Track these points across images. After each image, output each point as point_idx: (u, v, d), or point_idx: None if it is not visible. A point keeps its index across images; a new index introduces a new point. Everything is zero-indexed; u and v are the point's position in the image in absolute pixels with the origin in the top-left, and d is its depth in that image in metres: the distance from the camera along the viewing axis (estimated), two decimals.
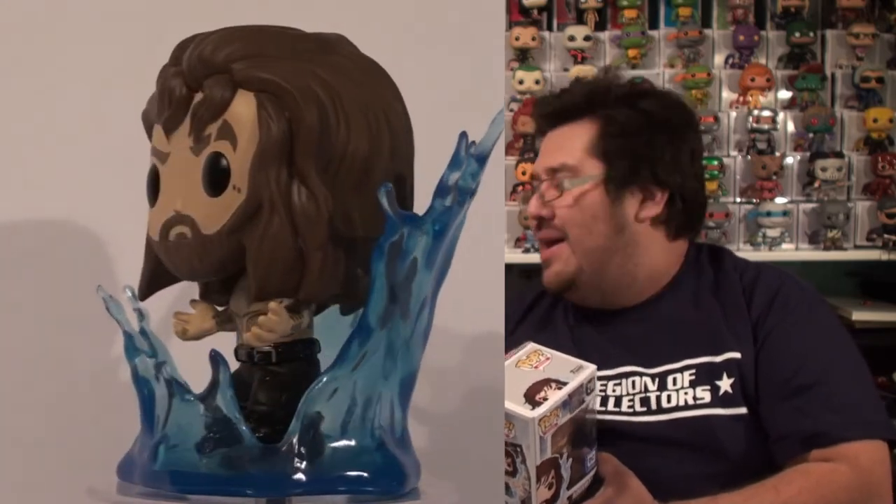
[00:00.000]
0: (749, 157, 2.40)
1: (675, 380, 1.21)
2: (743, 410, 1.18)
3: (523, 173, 2.37)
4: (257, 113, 0.63)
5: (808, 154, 2.39)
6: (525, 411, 0.90)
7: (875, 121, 2.39)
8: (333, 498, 0.66)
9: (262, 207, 0.63)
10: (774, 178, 2.37)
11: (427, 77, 0.86)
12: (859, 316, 2.29)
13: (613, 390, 1.24)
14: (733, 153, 2.43)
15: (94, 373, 0.95)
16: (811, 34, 2.48)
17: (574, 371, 0.96)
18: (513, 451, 0.91)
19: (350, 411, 0.66)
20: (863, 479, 1.11)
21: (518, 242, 2.36)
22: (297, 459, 0.65)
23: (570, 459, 0.95)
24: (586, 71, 2.40)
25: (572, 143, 1.29)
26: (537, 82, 2.45)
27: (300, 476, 0.65)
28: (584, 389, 0.96)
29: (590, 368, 0.97)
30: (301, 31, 0.69)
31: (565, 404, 0.92)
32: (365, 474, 0.66)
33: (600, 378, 1.23)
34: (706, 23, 2.57)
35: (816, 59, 2.50)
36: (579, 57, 2.51)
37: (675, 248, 1.32)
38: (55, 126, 0.97)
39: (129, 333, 0.70)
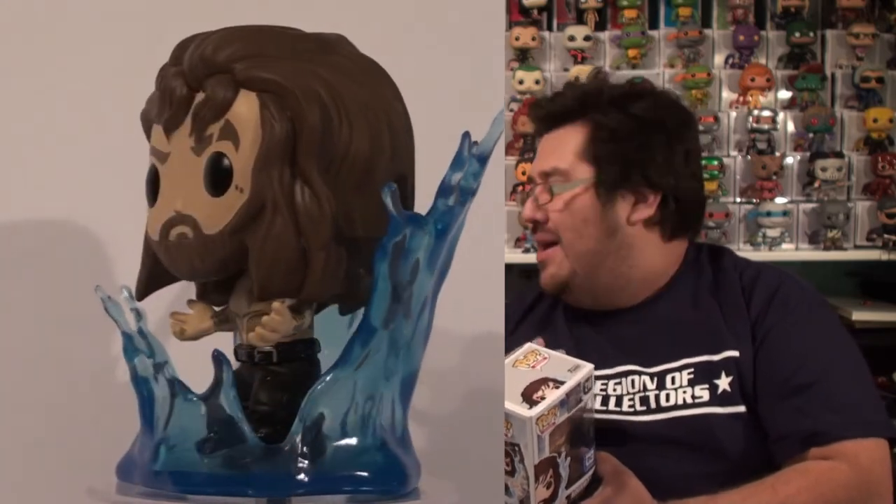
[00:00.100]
0: (749, 157, 2.40)
1: (673, 379, 1.21)
2: (741, 409, 1.18)
3: (523, 173, 2.37)
4: (260, 113, 0.63)
5: (808, 154, 2.39)
6: (522, 410, 0.90)
7: (875, 121, 2.39)
8: (334, 498, 0.66)
9: (266, 207, 0.63)
10: (774, 178, 2.37)
11: (427, 77, 0.86)
12: (859, 316, 2.29)
13: (614, 389, 1.24)
14: (733, 153, 2.43)
15: (94, 373, 0.95)
16: (811, 34, 2.48)
17: (571, 370, 0.96)
18: (511, 451, 0.91)
19: (352, 411, 0.66)
20: (862, 477, 1.11)
21: (518, 242, 2.36)
22: (299, 459, 0.65)
23: (569, 459, 0.95)
24: (586, 71, 2.40)
25: (564, 147, 1.30)
26: (537, 82, 2.45)
27: (302, 476, 0.65)
28: (582, 388, 0.96)
29: (587, 368, 0.97)
30: (301, 31, 0.69)
31: (563, 403, 0.92)
32: (367, 474, 0.66)
33: (600, 377, 1.23)
34: (706, 23, 2.58)
35: (816, 59, 2.50)
36: (579, 57, 2.51)
37: (672, 248, 1.31)
38: (55, 126, 0.97)
39: (127, 334, 0.70)
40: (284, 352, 0.68)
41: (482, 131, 0.67)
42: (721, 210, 2.35)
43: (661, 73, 2.50)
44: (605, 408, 1.21)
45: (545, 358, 0.98)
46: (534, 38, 2.49)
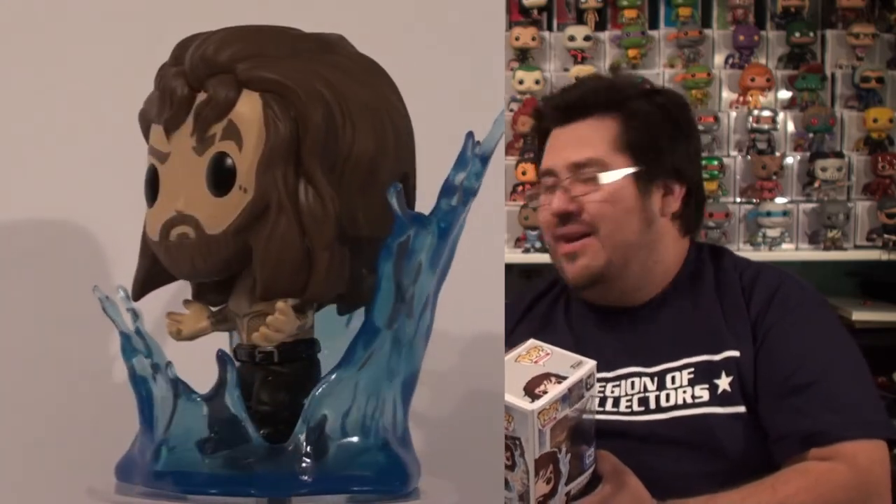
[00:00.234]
0: (749, 157, 2.40)
1: (673, 378, 1.21)
2: (741, 409, 1.18)
3: (523, 173, 2.37)
4: (263, 113, 0.63)
5: (808, 154, 2.39)
6: (524, 404, 0.90)
7: (875, 121, 2.39)
8: (336, 497, 0.66)
9: (270, 207, 0.63)
10: (774, 178, 2.37)
11: (427, 77, 0.86)
12: (859, 316, 2.29)
13: (612, 391, 1.24)
14: (733, 153, 2.44)
15: (94, 373, 0.95)
16: (811, 34, 2.48)
17: (574, 366, 0.96)
18: (511, 445, 0.91)
19: (355, 411, 0.66)
20: (861, 478, 1.11)
21: (518, 242, 2.36)
22: (302, 459, 0.65)
23: (569, 455, 0.95)
24: (586, 71, 2.40)
25: (596, 138, 1.28)
26: (537, 82, 2.45)
27: (305, 476, 0.65)
28: (584, 385, 0.96)
29: (589, 364, 0.97)
30: (301, 31, 0.69)
31: (565, 398, 0.92)
32: (369, 474, 0.67)
33: (600, 380, 1.23)
34: (706, 23, 2.58)
35: (816, 59, 2.50)
36: (579, 57, 2.51)
37: (683, 245, 1.32)
38: (55, 126, 0.97)
39: (125, 334, 0.70)
40: (286, 352, 0.68)
41: (482, 131, 0.68)
42: (721, 210, 2.35)
43: (661, 73, 2.50)
44: (602, 408, 1.21)
45: (548, 354, 0.98)
46: (534, 38, 2.49)
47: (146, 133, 0.68)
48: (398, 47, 0.78)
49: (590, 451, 1.01)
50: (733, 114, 2.44)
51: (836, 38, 2.51)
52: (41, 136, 0.98)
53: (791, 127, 2.44)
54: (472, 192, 0.68)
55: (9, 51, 0.98)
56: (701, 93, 2.45)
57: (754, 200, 2.38)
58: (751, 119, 2.40)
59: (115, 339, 0.70)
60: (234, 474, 0.65)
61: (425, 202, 0.69)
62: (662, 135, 1.29)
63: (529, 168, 2.34)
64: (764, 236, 2.36)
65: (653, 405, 1.21)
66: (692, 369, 1.21)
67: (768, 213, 2.35)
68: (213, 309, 0.71)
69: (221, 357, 0.65)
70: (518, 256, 2.32)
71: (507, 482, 0.94)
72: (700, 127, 2.24)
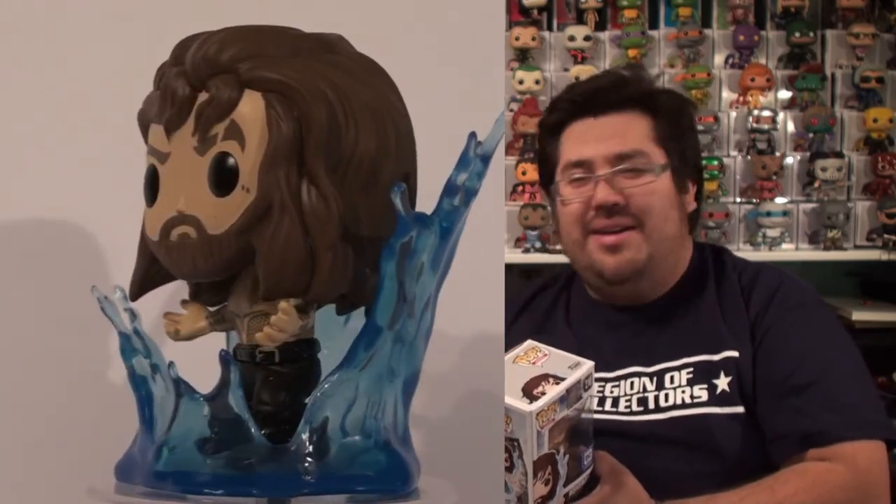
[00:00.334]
0: (749, 157, 2.40)
1: (672, 378, 1.21)
2: (740, 409, 1.18)
3: (523, 173, 2.37)
4: (266, 113, 0.63)
5: (808, 154, 2.39)
6: (523, 405, 0.90)
7: (875, 121, 2.39)
8: (336, 497, 0.66)
9: (273, 207, 0.63)
10: (774, 178, 2.37)
11: (427, 77, 0.86)
12: (859, 316, 2.29)
13: (611, 391, 1.24)
14: (733, 153, 2.44)
15: (94, 373, 0.95)
16: (811, 34, 2.48)
17: (572, 367, 0.96)
18: (510, 446, 0.91)
19: (357, 411, 0.66)
20: (860, 479, 1.11)
21: (518, 242, 2.36)
22: (305, 459, 0.65)
23: (567, 456, 0.95)
24: (586, 71, 2.40)
25: (635, 130, 1.27)
26: (537, 82, 2.45)
27: (307, 476, 0.65)
28: (582, 386, 0.96)
29: (587, 365, 0.97)
30: (301, 31, 0.69)
31: (563, 399, 0.92)
32: (371, 474, 0.66)
33: (600, 380, 1.23)
34: (706, 23, 2.58)
35: (816, 59, 2.50)
36: (579, 57, 2.51)
37: (690, 244, 1.34)
38: (55, 126, 0.97)
39: (124, 334, 0.70)
40: (287, 352, 0.68)
41: (482, 132, 0.68)
42: (721, 210, 2.35)
43: (661, 73, 2.49)
44: (601, 408, 1.21)
45: (546, 355, 0.98)
46: (534, 38, 2.49)
47: (145, 133, 0.68)
48: (398, 47, 0.78)
49: (588, 451, 1.01)
50: (733, 114, 2.44)
51: (836, 38, 2.51)
52: (41, 136, 0.98)
53: (791, 127, 2.44)
54: (474, 192, 0.68)
55: (9, 51, 0.98)
56: (701, 93, 2.45)
57: (754, 200, 2.38)
58: (751, 119, 2.40)
59: (114, 339, 0.70)
60: (235, 474, 0.65)
61: (424, 202, 0.69)
62: (686, 131, 1.30)
63: (529, 168, 2.34)
64: (764, 236, 2.36)
65: (652, 405, 1.21)
66: (691, 369, 1.21)
67: (768, 213, 2.35)
68: (211, 309, 0.70)
69: (224, 357, 0.65)
70: (518, 256, 2.32)
71: (505, 484, 0.94)
72: (700, 127, 2.25)
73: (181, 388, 0.67)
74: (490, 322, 0.94)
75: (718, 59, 2.54)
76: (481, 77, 0.94)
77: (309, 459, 0.65)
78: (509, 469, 0.92)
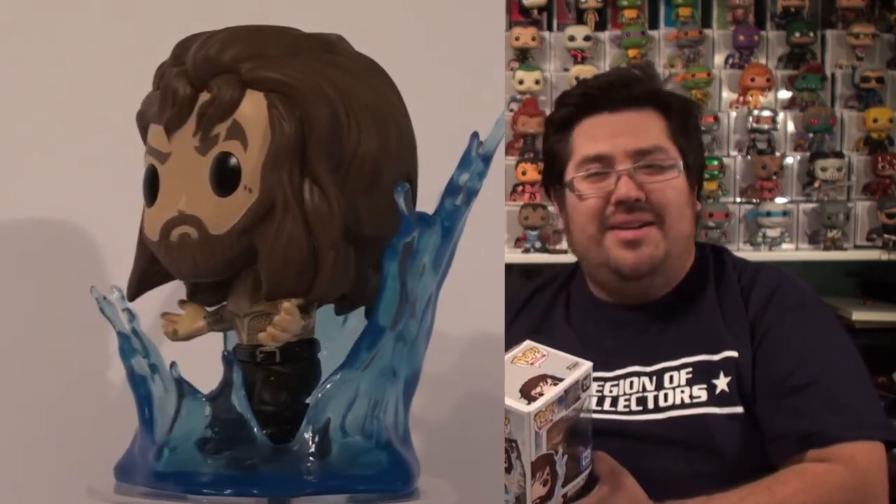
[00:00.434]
0: (749, 157, 2.40)
1: (671, 378, 1.21)
2: (739, 410, 1.18)
3: (523, 173, 2.37)
4: (268, 113, 0.63)
5: (808, 154, 2.39)
6: (521, 406, 0.90)
7: (875, 121, 2.39)
8: (336, 497, 0.66)
9: (275, 207, 0.63)
10: (774, 178, 2.37)
11: (427, 77, 0.86)
12: (859, 316, 2.29)
13: (611, 391, 1.24)
14: (733, 153, 2.44)
15: (94, 373, 0.95)
16: (811, 34, 2.48)
17: (570, 368, 0.96)
18: (508, 447, 0.91)
19: (359, 411, 0.66)
20: (858, 479, 1.11)
21: (518, 242, 2.36)
22: (307, 459, 0.65)
23: (566, 457, 0.95)
24: (586, 71, 2.40)
25: (653, 126, 1.27)
26: (537, 82, 2.45)
27: (310, 476, 0.65)
28: (580, 386, 0.96)
29: (586, 365, 0.97)
30: (301, 31, 0.69)
31: (561, 400, 0.92)
32: (373, 473, 0.67)
33: (599, 379, 1.23)
34: (706, 23, 2.58)
35: (816, 59, 2.50)
36: (579, 57, 2.51)
37: (693, 243, 1.34)
38: (55, 126, 0.97)
39: (123, 334, 0.70)
40: (287, 352, 0.68)
41: (483, 132, 0.68)
42: (721, 210, 2.35)
43: (662, 74, 2.49)
44: (600, 408, 1.21)
45: (544, 355, 0.98)
46: (534, 38, 2.49)
47: (144, 133, 0.68)
48: (398, 47, 0.78)
49: (586, 452, 1.00)
50: (733, 114, 2.44)
51: (836, 38, 2.51)
52: (41, 136, 0.98)
53: (791, 127, 2.44)
54: (475, 192, 0.68)
55: (9, 51, 0.98)
56: (701, 93, 2.44)
57: (754, 200, 2.38)
58: (751, 119, 2.40)
59: (114, 339, 0.70)
60: (237, 474, 0.65)
61: (422, 202, 0.69)
62: (692, 131, 1.31)
63: (529, 168, 2.34)
64: (764, 236, 2.36)
65: (651, 405, 1.21)
66: (690, 369, 1.21)
67: (768, 213, 2.35)
68: (209, 309, 0.70)
69: (227, 358, 0.65)
70: (518, 256, 2.32)
71: (503, 485, 0.94)
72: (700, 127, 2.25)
73: (183, 389, 0.67)
74: (490, 322, 0.94)
75: (718, 59, 2.54)
76: (481, 77, 0.94)
77: (311, 459, 0.65)
78: (507, 470, 0.92)
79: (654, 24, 2.59)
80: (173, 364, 0.67)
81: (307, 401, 0.67)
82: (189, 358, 0.67)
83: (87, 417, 0.96)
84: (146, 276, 0.69)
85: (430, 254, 0.67)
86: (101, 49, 0.97)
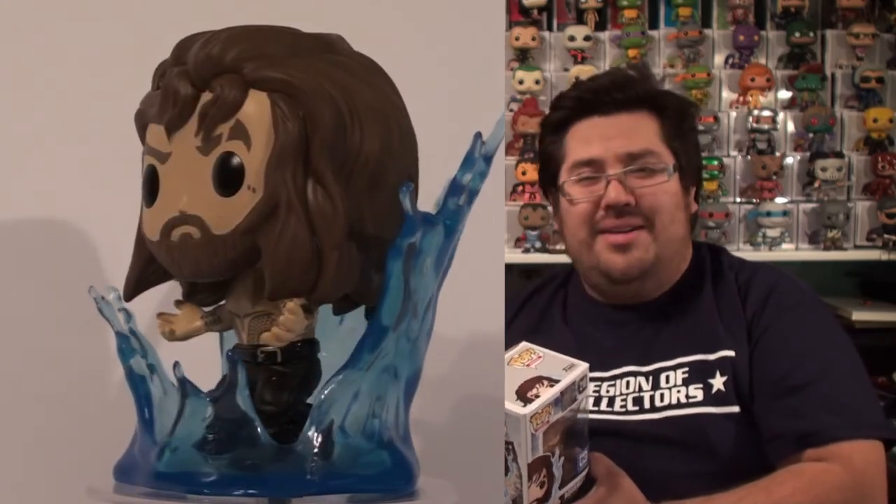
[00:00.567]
0: (749, 157, 2.40)
1: (668, 377, 1.21)
2: (735, 409, 1.17)
3: (523, 173, 2.37)
4: (272, 112, 0.63)
5: (808, 154, 2.39)
6: (517, 408, 0.90)
7: (875, 121, 2.39)
8: (337, 497, 0.66)
9: (279, 207, 0.63)
10: (774, 178, 2.37)
11: (427, 77, 0.86)
12: (859, 316, 2.29)
13: (607, 391, 1.23)
14: (733, 153, 2.44)
15: (94, 372, 0.95)
16: (811, 34, 2.48)
17: (566, 369, 0.96)
18: (504, 449, 0.91)
19: (361, 411, 0.66)
20: (856, 479, 1.11)
21: (518, 242, 2.36)
22: (311, 459, 0.65)
23: (562, 458, 0.95)
24: (586, 71, 2.40)
25: (645, 130, 1.27)
26: (537, 82, 2.45)
27: (312, 476, 0.65)
28: (577, 387, 0.96)
29: (582, 366, 0.97)
30: (301, 31, 0.69)
31: (557, 402, 0.92)
32: (375, 473, 0.67)
33: (596, 379, 1.23)
34: (706, 23, 2.58)
35: (816, 59, 2.50)
36: (579, 57, 2.51)
37: (690, 244, 1.34)
38: (55, 126, 0.97)
39: (122, 334, 0.70)
40: (289, 352, 0.68)
41: (483, 132, 0.68)
42: (721, 210, 2.35)
43: (662, 73, 2.49)
44: (596, 408, 1.21)
45: (540, 357, 0.98)
46: (534, 38, 2.49)
47: (142, 133, 0.68)
48: (398, 47, 0.78)
49: (583, 453, 1.00)
50: (733, 114, 2.44)
51: (836, 38, 2.51)
52: (41, 136, 0.98)
53: (791, 127, 2.44)
54: (476, 192, 0.69)
55: (9, 51, 0.98)
56: (701, 93, 2.45)
57: (754, 200, 2.38)
58: (751, 119, 2.40)
59: (114, 339, 0.70)
60: (239, 474, 0.65)
61: (422, 202, 0.69)
62: (688, 132, 1.31)
63: (529, 168, 2.34)
64: (764, 236, 2.36)
65: (647, 405, 1.20)
66: (686, 369, 1.21)
67: (768, 213, 2.35)
68: (206, 309, 0.70)
69: (231, 358, 0.65)
70: (518, 256, 2.32)
71: None
72: (700, 127, 2.25)
73: (187, 389, 0.66)
74: (490, 322, 0.94)
75: (718, 59, 2.54)
76: (481, 77, 0.94)
77: (314, 459, 0.65)
78: (504, 472, 0.92)
79: (654, 24, 2.59)
80: (177, 364, 0.67)
81: (309, 401, 0.67)
82: (183, 358, 0.67)
83: (87, 417, 0.96)
84: (143, 276, 0.69)
85: (433, 254, 0.67)
86: (101, 49, 0.97)
